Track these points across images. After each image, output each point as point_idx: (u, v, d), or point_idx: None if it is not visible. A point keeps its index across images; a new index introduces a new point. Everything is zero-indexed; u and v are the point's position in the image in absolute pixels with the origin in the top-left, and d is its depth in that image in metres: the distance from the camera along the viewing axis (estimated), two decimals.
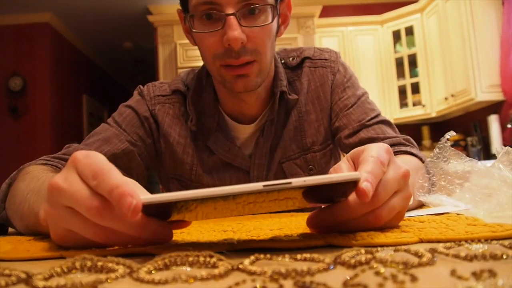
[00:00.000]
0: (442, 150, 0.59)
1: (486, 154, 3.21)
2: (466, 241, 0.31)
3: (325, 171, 0.82)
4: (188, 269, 0.26)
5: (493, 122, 3.08)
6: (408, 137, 0.76)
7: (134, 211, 0.30)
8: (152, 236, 0.35)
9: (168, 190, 0.85)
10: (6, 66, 3.99)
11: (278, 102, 0.78)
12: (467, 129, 3.51)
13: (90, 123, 4.99)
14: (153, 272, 0.26)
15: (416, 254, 0.27)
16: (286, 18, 0.77)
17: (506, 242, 0.29)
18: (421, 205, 0.60)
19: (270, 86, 0.79)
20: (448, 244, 0.30)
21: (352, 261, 0.25)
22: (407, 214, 0.51)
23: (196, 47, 0.74)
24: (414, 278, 0.21)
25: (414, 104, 3.74)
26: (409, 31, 3.77)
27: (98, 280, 0.23)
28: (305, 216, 0.41)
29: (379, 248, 0.29)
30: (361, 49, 3.83)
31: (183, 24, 0.75)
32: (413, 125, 3.91)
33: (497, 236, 0.32)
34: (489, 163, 0.55)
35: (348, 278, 0.22)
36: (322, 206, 0.39)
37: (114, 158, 0.74)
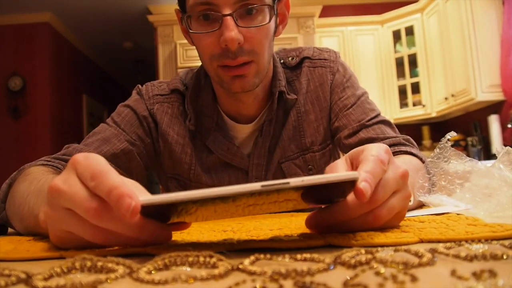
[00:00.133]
0: (443, 150, 0.59)
1: (486, 154, 3.21)
2: (466, 241, 0.31)
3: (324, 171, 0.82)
4: (188, 269, 0.26)
5: (494, 122, 3.08)
6: (408, 137, 0.76)
7: (132, 212, 0.30)
8: (151, 238, 0.34)
9: (167, 190, 0.85)
10: (6, 66, 3.99)
11: (277, 102, 0.78)
12: (467, 129, 3.51)
13: (90, 123, 4.99)
14: (153, 272, 0.26)
15: (416, 254, 0.27)
16: (284, 17, 0.77)
17: (507, 242, 0.29)
18: (421, 205, 0.60)
19: (268, 86, 0.79)
20: (448, 244, 0.29)
21: (352, 261, 0.25)
22: (407, 214, 0.51)
23: (195, 47, 0.74)
24: (414, 278, 0.21)
25: (414, 104, 3.74)
26: (409, 31, 3.77)
27: (98, 280, 0.23)
28: (305, 216, 0.41)
29: (379, 248, 0.29)
30: (361, 49, 3.83)
31: (181, 24, 0.75)
32: (413, 125, 3.91)
33: (498, 236, 0.32)
34: (489, 163, 0.55)
35: (348, 278, 0.22)
36: (322, 207, 0.39)
37: (113, 158, 0.74)
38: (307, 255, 0.28)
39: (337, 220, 0.37)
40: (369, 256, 0.27)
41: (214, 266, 0.26)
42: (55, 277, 0.25)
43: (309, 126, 0.81)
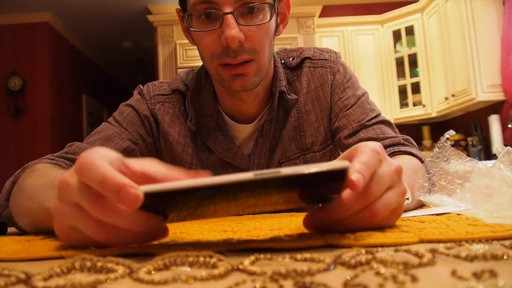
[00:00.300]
0: (442, 149, 0.59)
1: (487, 154, 3.21)
2: (466, 241, 0.31)
3: None
4: (188, 269, 0.26)
5: (494, 122, 3.08)
6: (408, 137, 0.76)
7: (132, 199, 0.30)
8: (153, 232, 0.35)
9: None
10: (5, 66, 3.99)
11: (278, 102, 0.78)
12: (467, 129, 3.51)
13: (90, 123, 4.99)
14: (152, 272, 0.26)
15: (416, 254, 0.27)
16: (285, 17, 0.77)
17: (507, 243, 0.29)
18: (421, 205, 0.60)
19: (269, 86, 0.79)
20: (448, 245, 0.29)
21: (353, 261, 0.25)
22: (407, 214, 0.51)
23: (196, 46, 0.74)
24: (414, 279, 0.21)
25: (414, 104, 3.74)
26: (410, 31, 3.77)
27: (97, 281, 0.23)
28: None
29: (379, 248, 0.29)
30: (361, 49, 3.82)
31: (182, 23, 0.75)
32: (413, 125, 3.91)
33: (498, 236, 0.32)
34: (489, 163, 0.55)
35: (349, 279, 0.22)
36: (320, 206, 0.39)
37: None
38: (307, 255, 0.28)
39: (334, 218, 0.37)
40: (369, 256, 0.27)
41: (214, 266, 0.26)
42: (55, 277, 0.25)
43: (309, 126, 0.81)
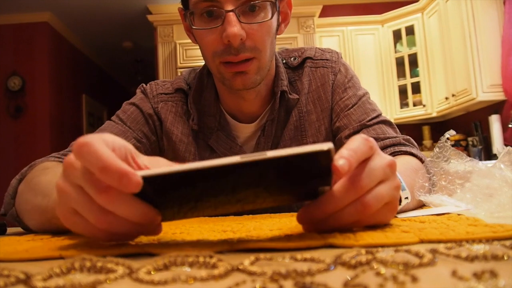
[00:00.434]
0: (442, 149, 0.59)
1: (487, 154, 3.21)
2: (467, 241, 0.31)
3: None
4: (188, 269, 0.26)
5: (494, 122, 3.08)
6: (408, 137, 0.76)
7: (135, 185, 0.30)
8: (149, 225, 0.35)
9: None
10: (5, 66, 3.99)
11: (279, 102, 0.79)
12: (468, 129, 3.51)
13: (90, 123, 4.99)
14: (152, 272, 0.26)
15: (416, 254, 0.27)
16: (286, 16, 0.77)
17: (507, 243, 0.29)
18: (421, 205, 0.60)
19: (271, 85, 0.79)
20: (449, 245, 0.29)
21: (353, 261, 0.25)
22: (407, 214, 0.51)
23: (196, 46, 0.74)
24: (414, 279, 0.21)
25: (414, 104, 3.74)
26: (410, 30, 3.77)
27: (97, 281, 0.23)
28: None
29: (379, 249, 0.29)
30: (361, 49, 3.82)
31: (184, 22, 0.76)
32: (413, 125, 3.91)
33: (498, 236, 0.32)
34: (490, 163, 0.55)
35: (349, 279, 0.22)
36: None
37: None
38: (307, 255, 0.28)
39: (326, 211, 0.36)
40: (370, 256, 0.26)
41: (214, 266, 0.26)
42: (54, 277, 0.25)
43: (310, 126, 0.81)
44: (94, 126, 5.05)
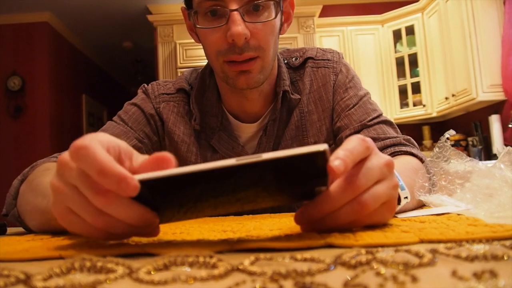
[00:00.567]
0: (442, 149, 0.59)
1: (487, 154, 3.21)
2: (467, 241, 0.31)
3: None
4: (188, 269, 0.26)
5: (494, 122, 3.08)
6: (409, 137, 0.76)
7: (132, 189, 0.30)
8: (148, 226, 0.35)
9: None
10: (5, 66, 3.99)
11: (281, 102, 0.79)
12: (468, 129, 3.51)
13: (90, 123, 4.99)
14: (152, 272, 0.26)
15: (416, 254, 0.27)
16: (289, 16, 0.78)
17: (507, 243, 0.29)
18: (421, 205, 0.60)
19: (273, 85, 0.80)
20: (449, 245, 0.29)
21: (353, 261, 0.25)
22: (407, 214, 0.51)
23: (197, 46, 0.74)
24: (414, 279, 0.21)
25: (414, 104, 3.74)
26: (410, 30, 3.77)
27: (97, 281, 0.23)
28: None
29: (379, 249, 0.29)
30: (361, 49, 3.82)
31: (187, 21, 0.76)
32: (413, 125, 3.91)
33: (498, 236, 0.32)
34: (490, 163, 0.55)
35: (349, 279, 0.22)
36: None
37: None
38: (307, 255, 0.28)
39: (323, 211, 0.36)
40: (370, 256, 0.26)
41: (214, 266, 0.26)
42: (54, 277, 0.25)
43: (311, 126, 0.81)
44: (94, 126, 5.05)
